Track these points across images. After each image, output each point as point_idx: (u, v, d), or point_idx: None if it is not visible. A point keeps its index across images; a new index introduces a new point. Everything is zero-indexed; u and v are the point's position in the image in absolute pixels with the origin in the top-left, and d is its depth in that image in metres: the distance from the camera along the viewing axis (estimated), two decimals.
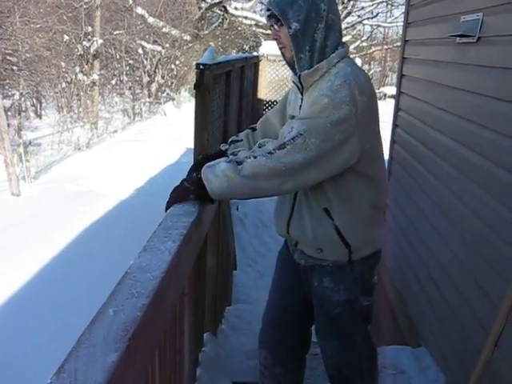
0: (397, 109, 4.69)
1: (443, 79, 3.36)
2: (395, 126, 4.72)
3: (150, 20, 19.77)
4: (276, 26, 1.78)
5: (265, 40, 12.24)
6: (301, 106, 1.87)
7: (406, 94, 4.47)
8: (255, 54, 9.64)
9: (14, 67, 13.73)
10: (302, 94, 1.88)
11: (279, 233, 2.10)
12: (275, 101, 9.45)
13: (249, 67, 7.34)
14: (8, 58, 13.54)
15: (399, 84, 4.65)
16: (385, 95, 32.76)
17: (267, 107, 9.59)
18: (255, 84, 9.05)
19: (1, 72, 13.65)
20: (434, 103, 3.52)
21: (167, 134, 14.76)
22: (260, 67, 9.37)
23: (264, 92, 9.61)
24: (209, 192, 1.70)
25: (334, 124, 1.63)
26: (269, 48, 9.19)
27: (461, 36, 2.98)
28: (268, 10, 1.78)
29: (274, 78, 9.66)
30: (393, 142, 4.76)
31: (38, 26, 14.78)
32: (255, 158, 1.64)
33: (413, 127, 4.11)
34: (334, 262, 1.97)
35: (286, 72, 9.35)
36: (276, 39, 1.83)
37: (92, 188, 9.52)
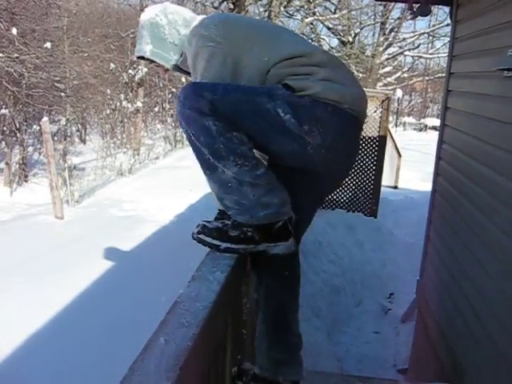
0: (440, 141, 4.66)
1: (490, 113, 3.33)
2: (439, 158, 4.68)
3: None
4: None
5: None
6: None
7: (450, 127, 4.44)
8: None
9: (62, 94, 14.13)
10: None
11: None
12: None
13: None
14: (56, 84, 13.94)
15: (443, 116, 4.63)
16: (425, 126, 32.50)
17: None
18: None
19: (49, 98, 14.03)
20: (480, 137, 3.48)
21: None
22: None
23: None
24: None
25: None
26: None
27: (508, 70, 2.97)
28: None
29: None
30: (436, 174, 4.71)
31: (86, 54, 15.24)
32: None
33: (457, 160, 4.07)
34: None
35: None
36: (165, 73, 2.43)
37: (133, 213, 9.66)
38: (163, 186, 11.84)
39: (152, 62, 2.17)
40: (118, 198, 11.12)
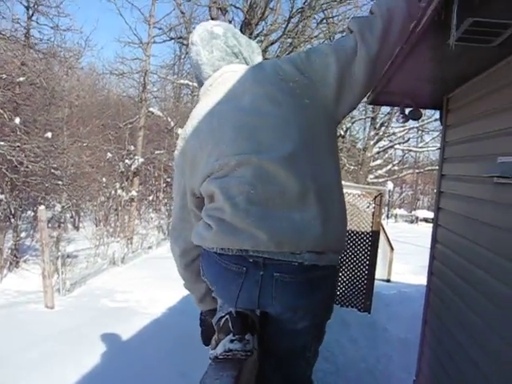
0: (434, 241, 4.75)
1: (482, 216, 3.44)
2: (432, 258, 4.75)
3: None
4: None
5: None
6: None
7: (443, 227, 4.54)
8: None
9: (59, 182, 14.33)
10: None
11: None
12: None
13: None
14: (54, 171, 14.16)
15: (436, 217, 4.75)
16: (417, 218, 32.83)
17: None
18: None
19: (46, 185, 14.20)
20: (473, 239, 3.57)
21: None
22: None
23: None
24: None
25: None
26: None
27: (498, 176, 3.10)
28: None
29: None
30: (430, 273, 4.77)
31: (85, 144, 15.58)
32: None
33: (451, 260, 4.14)
34: None
35: None
36: None
37: (125, 304, 9.56)
38: (156, 276, 11.78)
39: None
40: (110, 287, 11.03)
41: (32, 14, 14.78)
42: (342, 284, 8.68)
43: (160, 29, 21.00)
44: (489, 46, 2.85)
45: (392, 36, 1.80)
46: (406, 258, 14.53)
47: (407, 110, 4.98)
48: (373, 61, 1.75)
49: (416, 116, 4.95)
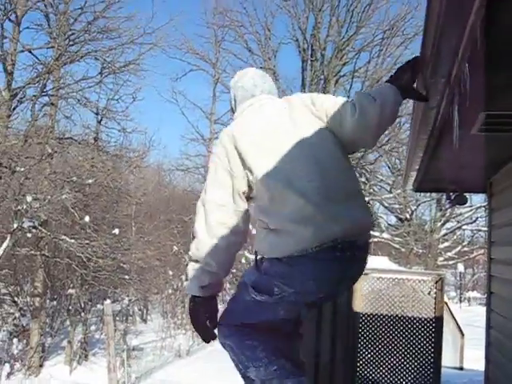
0: (488, 327, 4.67)
1: None
2: (488, 344, 4.64)
3: (254, 232, 20.90)
4: None
5: None
6: None
7: (495, 312, 4.47)
8: None
9: (126, 276, 14.78)
10: None
11: None
12: (371, 314, 9.42)
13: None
14: (121, 265, 14.64)
15: (489, 302, 4.68)
16: None
17: (363, 320, 9.53)
18: (349, 299, 9.14)
19: (114, 280, 14.67)
20: None
21: None
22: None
23: (359, 305, 9.65)
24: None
25: None
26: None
27: None
28: None
29: (368, 291, 9.75)
30: (487, 361, 4.65)
31: (151, 239, 16.14)
32: None
33: (504, 347, 4.05)
34: None
35: (381, 284, 9.44)
36: None
37: None
38: (220, 368, 11.72)
39: None
40: (174, 380, 11.07)
41: (101, 119, 15.94)
42: (407, 372, 8.40)
43: (222, 124, 21.99)
44: (510, 133, 2.95)
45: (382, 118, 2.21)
46: (481, 343, 13.86)
47: (453, 196, 5.04)
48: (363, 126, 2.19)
49: (461, 201, 5.00)
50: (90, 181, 13.17)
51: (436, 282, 8.76)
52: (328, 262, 2.04)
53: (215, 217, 2.17)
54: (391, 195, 24.05)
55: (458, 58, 1.83)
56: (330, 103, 2.26)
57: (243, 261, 20.84)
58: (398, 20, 19.97)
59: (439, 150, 3.32)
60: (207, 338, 2.35)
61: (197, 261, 2.20)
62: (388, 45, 20.52)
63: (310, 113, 2.24)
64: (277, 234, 2.09)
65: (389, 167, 24.05)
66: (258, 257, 2.24)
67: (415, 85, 2.35)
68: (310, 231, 2.01)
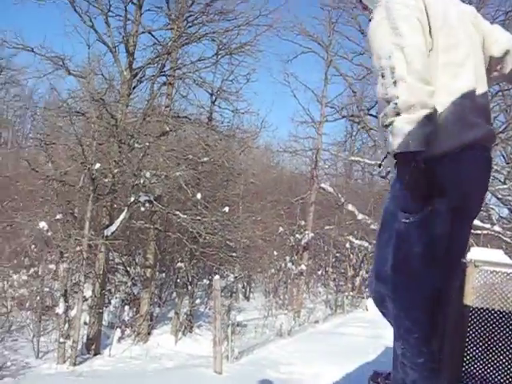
0: None
1: None
2: None
3: (360, 217, 20.72)
4: None
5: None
6: None
7: None
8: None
9: (233, 253, 15.15)
10: None
11: None
12: (482, 308, 9.08)
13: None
14: (228, 243, 15.01)
15: None
16: None
17: (473, 314, 9.20)
18: (460, 291, 8.85)
19: (221, 256, 15.08)
20: None
21: (368, 329, 14.64)
22: (467, 273, 9.21)
23: (470, 298, 9.32)
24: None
25: None
26: (475, 254, 9.08)
27: None
28: None
29: (480, 284, 9.39)
30: None
31: (259, 218, 16.42)
32: None
33: None
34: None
35: (494, 278, 9.04)
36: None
37: (289, 376, 9.69)
38: (321, 351, 11.78)
39: None
40: (275, 358, 11.25)
41: (215, 100, 16.33)
42: None
43: (332, 107, 21.81)
44: None
45: None
46: None
47: None
48: None
49: None
50: (206, 159, 13.58)
51: None
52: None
53: (421, 61, 1.90)
54: (505, 186, 22.88)
55: None
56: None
57: None
58: None
59: None
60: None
61: (409, 109, 1.84)
62: (509, 26, 19.35)
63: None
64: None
65: (503, 157, 22.88)
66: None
67: None
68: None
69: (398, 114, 1.84)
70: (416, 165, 1.83)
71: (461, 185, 1.95)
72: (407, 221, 1.94)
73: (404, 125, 1.83)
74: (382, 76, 1.89)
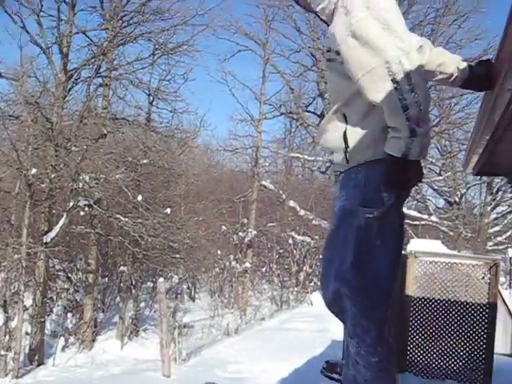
0: None
1: None
2: None
3: (301, 213, 20.96)
4: None
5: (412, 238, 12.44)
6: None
7: None
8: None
9: (177, 255, 15.06)
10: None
11: None
12: (423, 297, 9.36)
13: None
14: (172, 244, 14.91)
15: None
16: None
17: (414, 303, 9.46)
18: (403, 281, 9.09)
19: (164, 258, 14.96)
20: None
21: (313, 324, 14.86)
22: (407, 264, 9.47)
23: (411, 289, 9.58)
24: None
25: None
26: (415, 245, 9.35)
27: None
28: None
29: (420, 274, 9.67)
30: None
31: (201, 218, 16.37)
32: None
33: None
34: (343, 166, 2.12)
35: (433, 268, 9.34)
36: None
37: (237, 375, 9.72)
38: (268, 347, 11.88)
39: None
40: (223, 358, 11.27)
41: (153, 100, 16.17)
42: (457, 358, 8.33)
43: (271, 105, 21.97)
44: None
45: None
46: None
47: None
48: None
49: None
50: (145, 161, 13.43)
51: (490, 268, 8.62)
52: None
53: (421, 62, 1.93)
54: (440, 178, 23.68)
55: None
56: None
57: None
58: None
59: (509, 133, 3.27)
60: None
61: (425, 123, 1.88)
62: (440, 23, 20.12)
63: None
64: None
65: (438, 149, 23.67)
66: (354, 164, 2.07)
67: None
68: None
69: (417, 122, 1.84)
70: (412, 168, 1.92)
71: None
72: (371, 215, 1.99)
73: (425, 137, 1.86)
74: (394, 81, 1.83)
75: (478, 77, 2.34)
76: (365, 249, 2.02)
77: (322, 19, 2.24)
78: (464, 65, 2.34)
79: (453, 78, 2.35)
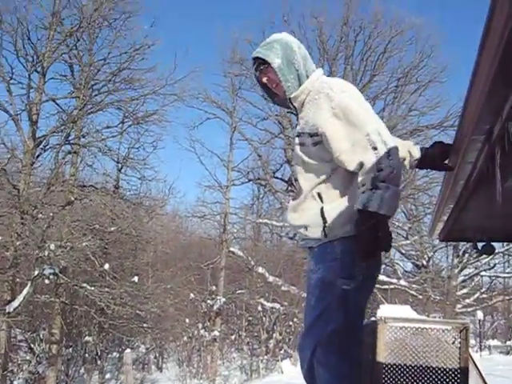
0: None
1: None
2: None
3: (270, 279, 20.83)
4: (263, 68, 2.34)
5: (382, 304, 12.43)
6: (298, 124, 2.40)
7: None
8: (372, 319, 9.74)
9: (144, 324, 14.74)
10: (297, 115, 2.41)
11: None
12: (394, 364, 9.27)
13: (366, 334, 7.46)
14: (139, 312, 14.62)
15: None
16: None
17: (386, 370, 9.35)
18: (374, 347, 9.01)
19: (131, 327, 14.62)
20: None
21: None
22: (378, 330, 9.41)
23: (382, 355, 9.49)
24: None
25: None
26: (385, 311, 9.32)
27: None
28: (254, 60, 2.38)
29: (391, 340, 9.61)
30: None
31: (169, 286, 16.15)
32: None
33: None
34: (316, 241, 2.27)
35: (404, 334, 9.31)
36: (266, 83, 2.37)
37: None
38: None
39: (260, 71, 2.40)
40: None
41: (121, 167, 16.19)
42: None
43: (238, 171, 22.18)
44: None
45: None
46: None
47: (480, 245, 5.03)
48: None
49: (488, 251, 4.98)
50: (113, 228, 13.32)
51: (460, 332, 8.63)
52: None
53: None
54: (408, 241, 23.95)
55: (501, 118, 1.90)
56: None
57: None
58: (412, 68, 20.47)
59: (472, 202, 3.36)
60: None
61: (392, 183, 2.10)
62: (402, 92, 20.92)
63: None
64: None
65: (405, 213, 24.04)
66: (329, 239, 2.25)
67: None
68: None
69: (388, 184, 2.08)
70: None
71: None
72: (348, 287, 2.16)
73: (388, 193, 2.07)
74: (374, 148, 2.09)
75: (431, 157, 2.63)
76: (342, 318, 2.18)
77: (291, 107, 2.45)
78: (415, 148, 2.63)
79: (407, 160, 2.61)
